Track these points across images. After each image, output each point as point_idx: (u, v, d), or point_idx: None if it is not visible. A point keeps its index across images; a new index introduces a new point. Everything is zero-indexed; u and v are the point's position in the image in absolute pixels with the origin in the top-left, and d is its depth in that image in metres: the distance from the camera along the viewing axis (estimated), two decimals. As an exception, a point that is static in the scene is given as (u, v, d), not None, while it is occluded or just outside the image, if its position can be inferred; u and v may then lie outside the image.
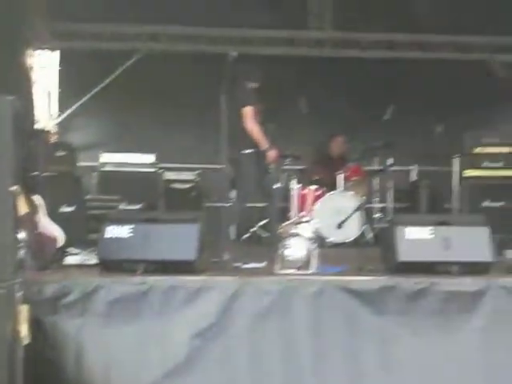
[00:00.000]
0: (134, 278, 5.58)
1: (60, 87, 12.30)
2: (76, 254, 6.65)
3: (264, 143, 8.32)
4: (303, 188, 10.58)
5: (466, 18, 11.75)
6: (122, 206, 10.00)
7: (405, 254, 5.87)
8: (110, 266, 5.87)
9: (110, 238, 5.90)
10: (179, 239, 5.83)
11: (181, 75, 11.62)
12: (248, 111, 8.28)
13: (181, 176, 11.47)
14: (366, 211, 10.45)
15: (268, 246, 7.93)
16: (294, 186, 10.41)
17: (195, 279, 5.57)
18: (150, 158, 11.20)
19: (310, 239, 6.00)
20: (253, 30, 12.42)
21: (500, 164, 11.39)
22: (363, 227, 10.20)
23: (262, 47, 12.40)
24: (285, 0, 11.50)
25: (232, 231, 11.45)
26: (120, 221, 5.95)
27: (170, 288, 5.47)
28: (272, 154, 8.36)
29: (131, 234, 5.87)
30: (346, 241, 10.00)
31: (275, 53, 12.42)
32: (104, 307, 5.46)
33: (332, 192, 10.40)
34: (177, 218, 6.02)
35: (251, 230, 10.77)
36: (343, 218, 9.99)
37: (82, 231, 8.08)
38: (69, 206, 8.59)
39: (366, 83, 12.10)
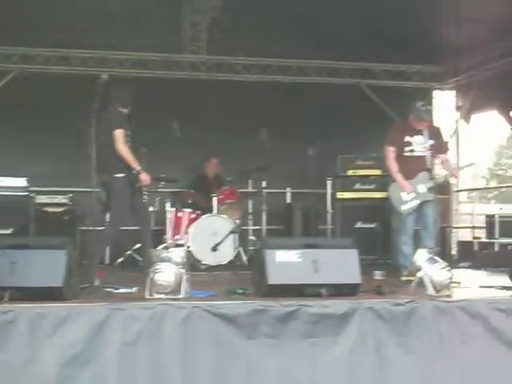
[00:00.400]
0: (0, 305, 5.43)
1: None
2: None
3: (136, 166, 8.25)
4: (178, 211, 10.56)
5: (336, 45, 11.99)
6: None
7: (274, 277, 5.91)
8: (-26, 293, 5.69)
9: (-26, 265, 5.73)
10: (46, 265, 5.71)
11: (53, 97, 11.47)
12: (119, 134, 8.20)
13: (53, 200, 11.25)
14: (240, 234, 10.50)
15: (142, 270, 7.84)
16: (168, 208, 10.40)
17: (62, 306, 5.45)
18: (20, 182, 10.96)
19: (180, 263, 5.96)
20: (126, 52, 12.34)
21: (372, 186, 11.69)
22: (237, 250, 10.24)
23: (134, 69, 12.33)
24: (159, 24, 11.43)
25: (106, 255, 11.41)
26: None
27: (37, 315, 5.33)
28: (144, 176, 8.29)
29: (-4, 260, 5.72)
30: (221, 263, 10.01)
31: (148, 75, 12.39)
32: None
33: (206, 215, 10.40)
34: (44, 244, 5.90)
35: (125, 253, 10.66)
36: (218, 241, 10.01)
37: None
38: None
39: (240, 107, 12.18)
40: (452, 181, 11.43)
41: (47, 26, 10.97)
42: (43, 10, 10.54)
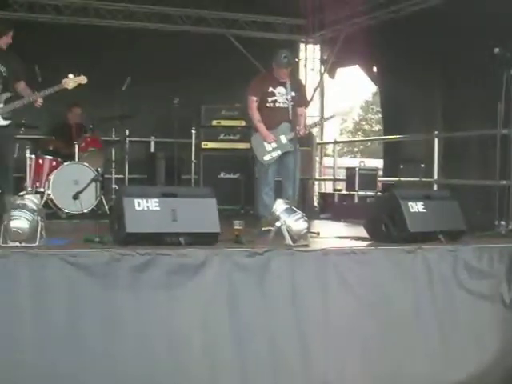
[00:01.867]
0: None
1: None
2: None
3: None
4: (38, 158, 10.34)
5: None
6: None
7: (132, 225, 5.85)
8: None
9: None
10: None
11: None
12: None
13: None
14: (102, 182, 10.38)
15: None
16: (29, 155, 10.17)
17: None
18: None
19: (36, 211, 5.83)
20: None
21: (236, 137, 11.76)
22: (99, 198, 10.12)
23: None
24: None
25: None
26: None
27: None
28: None
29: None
30: (82, 212, 9.87)
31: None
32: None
33: (68, 162, 10.23)
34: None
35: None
36: (79, 189, 9.85)
37: None
38: None
39: (104, 53, 12.00)
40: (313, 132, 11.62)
41: None
42: None
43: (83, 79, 8.16)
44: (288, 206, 6.43)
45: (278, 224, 6.32)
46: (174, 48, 12.49)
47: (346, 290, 6.05)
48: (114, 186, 11.08)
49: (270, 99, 8.54)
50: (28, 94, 8.10)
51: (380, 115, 14.60)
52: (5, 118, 7.97)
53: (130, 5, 12.61)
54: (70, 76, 8.03)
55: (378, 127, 37.80)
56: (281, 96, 8.54)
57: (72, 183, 9.92)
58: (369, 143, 38.36)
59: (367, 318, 6.12)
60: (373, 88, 12.88)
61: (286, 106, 8.53)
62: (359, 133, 42.83)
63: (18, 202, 5.86)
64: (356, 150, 41.11)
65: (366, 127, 43.47)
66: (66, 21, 12.43)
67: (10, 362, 5.17)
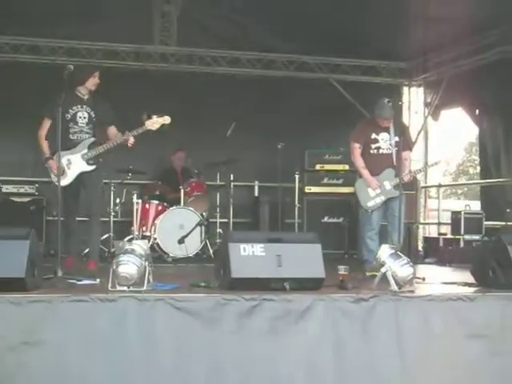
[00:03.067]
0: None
1: None
2: None
3: (43, 152, 8.16)
4: (145, 203, 10.54)
5: (307, 39, 12.00)
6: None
7: (238, 271, 5.90)
8: None
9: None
10: (8, 256, 5.65)
11: (21, 86, 11.35)
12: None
13: (20, 189, 11.21)
14: (207, 226, 10.50)
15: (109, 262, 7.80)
16: (135, 200, 10.38)
17: (23, 296, 5.39)
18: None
19: (143, 256, 5.94)
20: (96, 42, 12.26)
21: (340, 181, 11.75)
22: (204, 243, 10.24)
23: (104, 60, 12.23)
24: (130, 14, 11.38)
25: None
26: None
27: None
28: (50, 163, 8.07)
29: (-43, 251, 5.66)
30: (187, 256, 10.01)
31: (118, 66, 12.32)
32: None
33: (173, 207, 10.39)
34: (6, 234, 5.84)
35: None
36: (184, 234, 10.00)
37: None
38: None
39: (209, 99, 12.20)
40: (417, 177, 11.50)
41: (16, 14, 10.88)
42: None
43: (167, 119, 8.24)
44: (393, 251, 6.38)
45: (383, 269, 6.28)
46: (277, 93, 12.59)
47: (452, 337, 5.94)
48: (218, 230, 11.20)
49: (373, 146, 8.52)
50: (119, 136, 8.19)
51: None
52: (90, 164, 8.10)
53: (235, 51, 12.77)
54: (154, 117, 8.12)
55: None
56: (384, 142, 8.52)
57: (178, 227, 10.10)
58: (473, 185, 37.70)
59: (475, 366, 5.98)
60: (477, 130, 12.76)
61: (389, 151, 8.50)
62: (462, 175, 42.15)
63: (127, 246, 5.98)
64: (460, 191, 40.45)
65: (470, 169, 42.75)
66: (172, 68, 12.64)
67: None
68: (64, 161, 7.85)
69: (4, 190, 11.17)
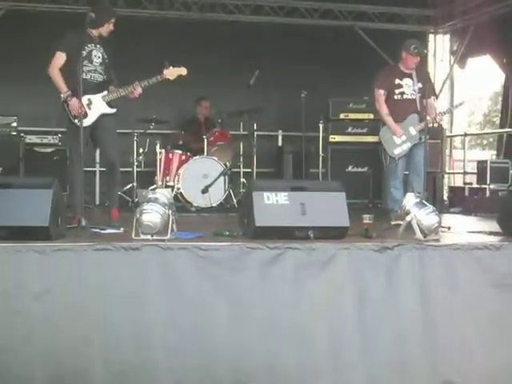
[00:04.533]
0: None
1: None
2: None
3: (62, 90, 7.57)
4: (168, 153, 10.51)
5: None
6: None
7: (261, 219, 5.87)
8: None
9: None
10: (32, 205, 5.65)
11: (43, 35, 11.21)
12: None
13: (43, 140, 11.22)
14: (231, 176, 10.47)
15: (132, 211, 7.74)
16: (159, 150, 10.35)
17: (47, 245, 5.40)
18: (9, 121, 10.91)
19: (167, 204, 5.92)
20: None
21: (364, 130, 11.66)
22: (227, 192, 10.22)
23: (127, 9, 12.16)
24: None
25: (96, 195, 11.42)
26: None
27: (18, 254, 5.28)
28: (71, 102, 7.50)
29: (-20, 199, 5.66)
30: (211, 206, 10.00)
31: (141, 15, 12.25)
32: None
33: (197, 157, 10.36)
34: (29, 183, 5.83)
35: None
36: (208, 183, 9.98)
37: None
38: None
39: (232, 47, 12.10)
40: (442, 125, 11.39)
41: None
42: None
43: (183, 70, 7.92)
44: (418, 199, 6.32)
45: (408, 218, 6.23)
46: (301, 41, 12.45)
47: (477, 286, 5.90)
48: (242, 179, 11.17)
49: (397, 91, 8.41)
50: (114, 88, 7.78)
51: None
52: (111, 106, 7.72)
53: (257, -1, 12.69)
54: (171, 67, 7.94)
55: (508, 119, 36.88)
56: (408, 88, 8.41)
57: (201, 177, 10.07)
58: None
59: (499, 316, 5.94)
60: (502, 79, 12.57)
61: (413, 97, 8.39)
62: (488, 125, 41.78)
63: (150, 195, 5.96)
64: (485, 142, 40.13)
65: (496, 119, 42.36)
66: (195, 17, 12.54)
67: (138, 357, 5.29)
68: (84, 100, 7.39)
69: (27, 141, 11.17)
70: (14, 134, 11.01)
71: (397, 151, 8.33)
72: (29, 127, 11.43)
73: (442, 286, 5.83)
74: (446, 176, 13.53)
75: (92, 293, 5.33)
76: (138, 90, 7.72)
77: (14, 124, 11.02)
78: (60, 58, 7.59)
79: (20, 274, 5.26)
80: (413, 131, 8.29)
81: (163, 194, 6.01)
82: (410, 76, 8.41)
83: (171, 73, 7.85)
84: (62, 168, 10.77)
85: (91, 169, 11.42)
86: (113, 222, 7.44)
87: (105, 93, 7.66)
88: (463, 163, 13.29)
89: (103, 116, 7.65)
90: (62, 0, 12.02)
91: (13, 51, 11.38)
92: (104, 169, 8.21)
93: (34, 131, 11.42)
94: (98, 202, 11.54)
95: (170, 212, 5.90)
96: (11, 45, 11.41)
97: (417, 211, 6.20)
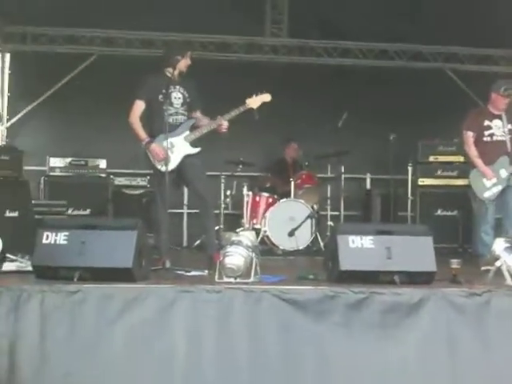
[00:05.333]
0: (69, 285, 5.43)
1: (10, 91, 12.10)
2: (12, 261, 6.49)
3: (141, 138, 7.60)
4: (255, 195, 10.51)
5: (417, 28, 11.78)
6: (70, 212, 9.92)
7: (346, 263, 5.79)
8: (46, 272, 5.72)
9: (46, 244, 5.76)
10: (117, 246, 5.70)
11: (134, 79, 11.45)
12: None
13: (132, 182, 11.34)
14: (318, 219, 10.39)
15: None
16: (246, 192, 10.36)
17: (131, 287, 5.43)
18: (100, 163, 11.09)
19: (250, 247, 5.89)
20: (209, 35, 12.31)
21: (454, 173, 11.44)
22: (314, 235, 10.14)
23: (217, 52, 12.30)
24: (241, 7, 11.45)
25: (184, 238, 11.47)
26: (56, 227, 5.81)
27: (104, 296, 5.33)
28: (153, 148, 7.49)
29: (67, 241, 5.72)
30: (298, 249, 9.93)
31: (230, 59, 12.35)
32: (37, 316, 5.31)
33: (284, 199, 10.32)
34: (115, 225, 5.89)
35: (203, 236, 10.53)
36: (295, 226, 9.93)
37: (28, 237, 7.86)
38: (13, 210, 8.43)
39: (321, 90, 12.07)
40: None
41: (128, 8, 11.04)
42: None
43: (267, 97, 7.79)
44: (509, 244, 6.14)
45: (497, 264, 6.06)
46: (390, 83, 12.34)
47: None
48: (329, 222, 11.07)
49: (486, 133, 8.27)
50: (207, 121, 7.73)
51: None
52: (194, 146, 7.61)
53: (346, 42, 12.63)
54: (253, 96, 7.83)
55: None
56: (498, 129, 8.26)
57: (288, 220, 10.03)
58: None
59: None
60: None
61: (503, 138, 8.23)
62: None
63: (234, 238, 5.94)
64: None
65: None
66: (283, 60, 12.60)
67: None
68: (164, 145, 7.29)
69: (116, 183, 11.32)
70: (103, 176, 11.16)
71: (487, 194, 8.15)
72: (118, 169, 11.57)
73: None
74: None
75: (177, 335, 5.34)
76: (224, 124, 7.64)
77: (103, 166, 11.18)
78: (139, 106, 7.64)
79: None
80: (504, 174, 8.11)
81: (247, 237, 5.98)
82: (499, 117, 8.26)
83: (254, 101, 7.72)
84: (150, 210, 10.89)
85: (179, 210, 11.52)
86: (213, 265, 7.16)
87: (187, 133, 7.60)
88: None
89: (187, 157, 7.59)
90: (153, 44, 12.17)
91: (103, 95, 11.58)
92: (196, 210, 8.04)
93: (123, 173, 11.55)
94: (185, 244, 11.58)
95: (254, 255, 5.86)
96: (102, 88, 11.61)
97: (507, 256, 6.03)
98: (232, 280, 5.72)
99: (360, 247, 5.89)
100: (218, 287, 5.49)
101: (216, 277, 5.79)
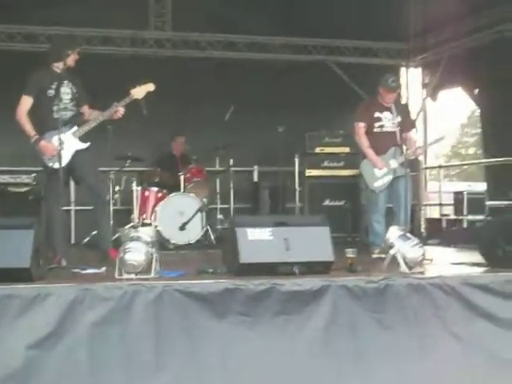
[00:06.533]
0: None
1: None
2: None
3: (31, 134, 7.38)
4: (144, 190, 10.42)
5: (304, 21, 11.92)
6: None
7: (246, 256, 5.82)
8: None
9: None
10: (12, 246, 5.55)
11: (15, 75, 11.18)
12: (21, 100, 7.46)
13: (17, 179, 11.05)
14: (208, 212, 10.39)
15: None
16: (135, 187, 10.25)
17: (30, 287, 5.31)
18: (-19, 160, 10.83)
19: (150, 243, 5.85)
20: (92, 28, 12.13)
21: (340, 164, 11.64)
22: (205, 229, 10.14)
23: (101, 46, 12.14)
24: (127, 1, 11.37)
25: (72, 235, 11.29)
26: None
27: (2, 297, 5.19)
28: (43, 144, 7.31)
29: (-41, 241, 5.56)
30: (189, 243, 9.92)
31: (114, 52, 12.20)
32: None
33: (173, 194, 10.28)
34: (10, 224, 5.74)
35: (91, 233, 10.40)
36: (185, 220, 9.90)
37: None
38: None
39: (207, 83, 12.06)
40: (419, 158, 11.38)
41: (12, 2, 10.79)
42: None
43: (151, 86, 7.74)
44: (402, 232, 6.31)
45: (392, 251, 6.21)
46: (275, 76, 12.46)
47: (470, 317, 5.86)
48: (219, 216, 11.11)
49: (377, 124, 8.45)
50: (96, 114, 7.63)
51: (475, 138, 14.07)
52: (83, 141, 7.51)
53: (230, 35, 12.66)
54: (137, 86, 7.76)
55: (472, 150, 37.19)
56: (388, 121, 8.45)
57: (178, 214, 9.99)
58: (465, 166, 37.69)
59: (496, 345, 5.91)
60: (468, 111, 12.77)
61: (393, 130, 8.42)
62: (455, 157, 42.09)
63: (133, 234, 5.90)
64: (452, 173, 40.39)
65: (462, 151, 42.70)
66: (168, 54, 12.52)
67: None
68: (54, 141, 7.18)
69: (1, 181, 11.02)
70: (-14, 173, 10.88)
71: (377, 184, 8.34)
72: (2, 167, 11.27)
73: (430, 317, 5.81)
74: (422, 208, 13.56)
75: (78, 334, 5.26)
76: (121, 110, 7.57)
77: (-14, 163, 10.90)
78: (26, 102, 7.46)
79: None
80: (394, 164, 8.31)
81: (146, 233, 5.95)
82: (389, 109, 8.45)
83: (138, 91, 7.66)
84: (36, 207, 10.67)
85: (67, 208, 11.30)
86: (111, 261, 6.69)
87: (75, 128, 7.49)
88: (439, 195, 13.34)
89: (78, 152, 7.49)
90: (37, 39, 11.89)
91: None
92: (83, 207, 7.95)
93: (6, 171, 11.25)
94: (73, 241, 11.39)
95: (154, 250, 5.83)
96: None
97: (401, 244, 6.19)
98: (132, 276, 5.67)
99: (259, 239, 5.92)
100: (119, 284, 5.43)
101: (116, 273, 5.72)
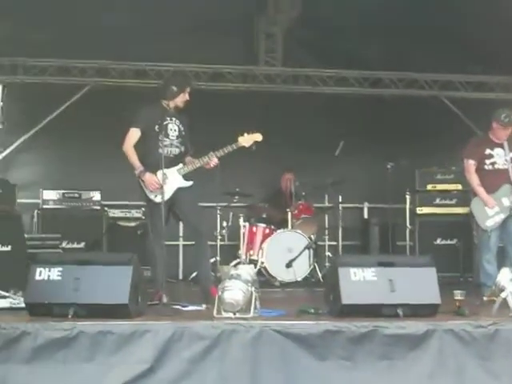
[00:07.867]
0: (63, 323, 5.27)
1: (2, 123, 11.95)
2: (4, 297, 6.33)
3: (136, 166, 7.44)
4: (252, 226, 10.38)
5: (413, 57, 11.72)
6: (64, 245, 9.76)
7: (348, 297, 5.67)
8: (39, 309, 5.56)
9: (39, 281, 5.61)
10: (112, 282, 5.56)
11: (127, 111, 11.34)
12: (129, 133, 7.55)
13: (127, 214, 11.18)
14: (315, 250, 10.26)
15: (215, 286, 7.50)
16: (242, 223, 10.22)
17: (127, 324, 5.28)
18: (94, 195, 10.95)
19: (250, 281, 5.74)
20: (202, 65, 12.20)
21: (453, 201, 11.32)
22: (312, 266, 10.00)
23: (210, 82, 12.20)
24: (234, 36, 11.39)
25: (179, 270, 11.31)
26: (49, 263, 5.66)
27: (99, 333, 5.16)
28: (147, 177, 7.34)
29: (60, 277, 5.58)
30: (295, 280, 9.79)
31: (225, 88, 12.23)
32: (29, 354, 5.14)
33: (281, 230, 10.19)
34: (110, 260, 5.75)
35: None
36: (292, 257, 9.80)
37: (20, 272, 7.69)
38: (5, 245, 8.26)
39: (316, 119, 11.95)
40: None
41: (123, 39, 10.94)
42: (120, 23, 10.54)
43: (258, 136, 7.68)
44: (514, 274, 6.03)
45: (503, 295, 5.94)
46: (386, 112, 12.25)
47: None
48: (327, 253, 10.96)
49: (488, 161, 8.14)
50: (190, 159, 7.60)
51: None
52: (187, 179, 7.49)
53: (341, 70, 12.53)
54: (245, 134, 7.73)
55: None
56: (499, 158, 8.13)
57: (285, 251, 9.92)
58: None
59: None
60: None
61: (505, 167, 8.11)
62: None
63: (233, 272, 5.81)
64: None
65: None
66: (278, 89, 12.47)
67: None
68: (159, 175, 7.18)
69: (111, 215, 11.17)
70: (98, 208, 11.02)
71: (489, 223, 8.01)
72: (112, 201, 11.42)
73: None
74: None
75: (174, 372, 5.19)
76: (214, 161, 7.52)
77: (98, 198, 11.04)
78: (134, 134, 7.50)
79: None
80: (506, 202, 7.98)
81: (246, 271, 5.85)
82: (501, 146, 8.14)
83: (246, 140, 7.64)
84: (146, 242, 10.76)
85: (175, 242, 11.34)
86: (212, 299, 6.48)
87: (180, 166, 7.49)
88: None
89: (180, 190, 7.47)
90: (147, 75, 12.05)
91: (96, 126, 11.43)
92: (191, 242, 7.89)
93: (117, 205, 11.39)
94: (181, 277, 11.42)
95: (253, 289, 5.72)
96: (95, 120, 11.47)
97: (512, 287, 5.91)
98: (231, 315, 5.57)
99: (362, 280, 5.80)
100: (217, 323, 5.35)
101: (214, 312, 5.64)
